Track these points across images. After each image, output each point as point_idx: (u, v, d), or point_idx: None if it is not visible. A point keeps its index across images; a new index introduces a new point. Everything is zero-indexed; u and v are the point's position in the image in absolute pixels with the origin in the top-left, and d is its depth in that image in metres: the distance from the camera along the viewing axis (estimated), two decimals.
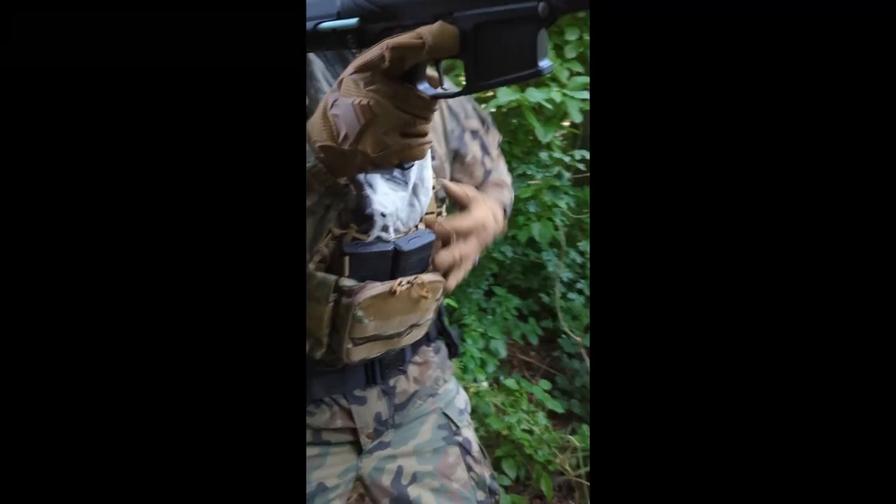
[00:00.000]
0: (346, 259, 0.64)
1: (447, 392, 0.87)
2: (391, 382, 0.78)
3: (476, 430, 1.75)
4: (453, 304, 1.85)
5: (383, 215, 0.65)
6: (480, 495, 0.85)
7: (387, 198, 0.66)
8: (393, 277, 0.67)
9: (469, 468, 0.84)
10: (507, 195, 0.86)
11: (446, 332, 0.90)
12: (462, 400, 0.91)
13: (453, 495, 0.81)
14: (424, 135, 0.49)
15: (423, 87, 0.48)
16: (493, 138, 0.89)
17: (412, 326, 0.71)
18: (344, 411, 0.73)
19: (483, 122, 0.87)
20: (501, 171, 0.92)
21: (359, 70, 0.47)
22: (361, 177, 0.65)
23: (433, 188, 0.73)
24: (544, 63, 0.43)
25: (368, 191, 0.65)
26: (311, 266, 0.64)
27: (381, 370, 0.75)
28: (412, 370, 0.81)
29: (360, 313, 0.64)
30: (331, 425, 0.73)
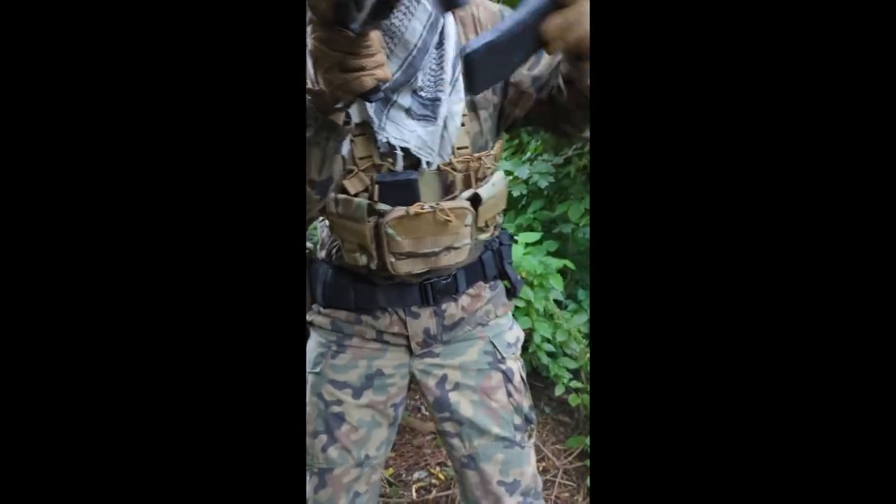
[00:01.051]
0: (377, 187, 0.75)
1: (498, 325, 0.93)
2: (442, 306, 0.87)
3: None
4: (571, 265, 1.80)
5: (403, 150, 0.74)
6: (517, 419, 0.91)
7: (412, 133, 0.73)
8: None
9: (509, 394, 0.91)
10: None
11: (507, 275, 0.95)
12: (513, 336, 0.95)
13: (491, 412, 0.89)
14: (361, 69, 0.56)
15: (355, 27, 0.53)
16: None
17: (448, 248, 0.79)
18: (401, 321, 0.87)
19: None
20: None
21: (308, 24, 0.56)
22: (379, 114, 0.72)
23: (462, 124, 0.77)
24: None
25: (387, 127, 0.72)
26: (350, 191, 0.76)
27: (434, 294, 0.86)
28: (463, 300, 0.89)
29: (391, 231, 0.75)
30: (389, 329, 0.87)
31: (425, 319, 0.87)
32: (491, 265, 0.91)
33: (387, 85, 0.63)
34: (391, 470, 1.79)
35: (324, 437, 0.88)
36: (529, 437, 0.93)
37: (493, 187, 0.80)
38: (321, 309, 0.90)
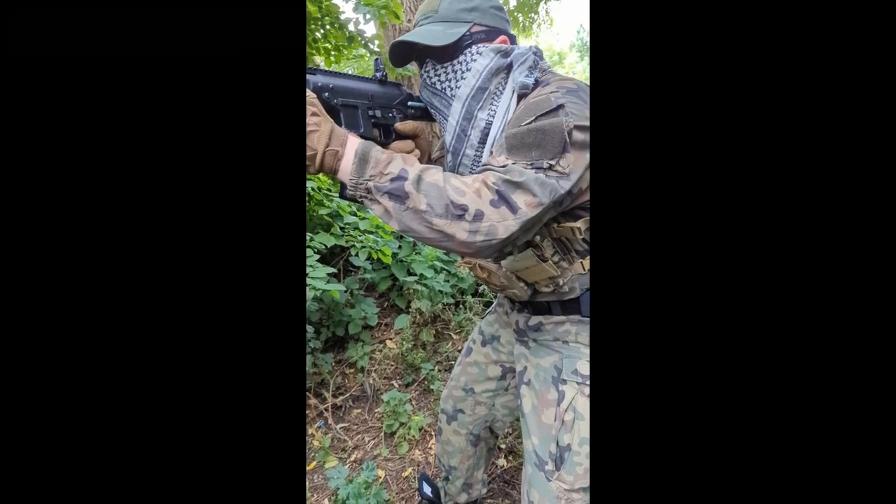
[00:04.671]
0: None
1: (577, 350, 0.96)
2: (531, 314, 1.03)
3: None
4: None
5: None
6: (552, 447, 0.93)
7: None
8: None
9: (555, 417, 0.93)
10: (415, 170, 0.76)
11: None
12: (587, 369, 0.95)
13: (539, 423, 0.97)
14: None
15: None
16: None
17: (504, 287, 0.98)
18: (512, 310, 1.10)
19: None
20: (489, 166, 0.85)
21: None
22: None
23: None
24: None
25: None
26: None
27: (530, 305, 1.02)
28: (551, 319, 0.99)
29: (466, 269, 1.04)
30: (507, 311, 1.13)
31: (521, 316, 1.06)
32: (589, 304, 0.94)
33: None
34: None
35: (461, 358, 1.26)
36: (556, 479, 0.92)
37: (516, 261, 0.92)
38: None
